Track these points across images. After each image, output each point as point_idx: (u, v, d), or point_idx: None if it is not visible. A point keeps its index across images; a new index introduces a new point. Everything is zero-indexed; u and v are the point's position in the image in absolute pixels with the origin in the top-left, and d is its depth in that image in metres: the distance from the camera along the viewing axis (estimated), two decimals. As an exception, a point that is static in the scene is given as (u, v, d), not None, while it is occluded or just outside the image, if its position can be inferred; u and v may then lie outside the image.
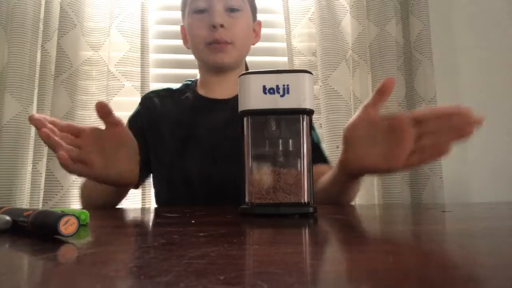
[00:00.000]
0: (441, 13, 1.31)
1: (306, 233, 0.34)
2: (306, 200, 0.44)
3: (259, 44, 0.96)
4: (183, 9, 0.88)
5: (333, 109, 1.15)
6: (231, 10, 0.82)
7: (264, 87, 0.44)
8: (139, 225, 0.40)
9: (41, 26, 1.12)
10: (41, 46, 1.10)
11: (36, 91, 1.10)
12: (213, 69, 0.85)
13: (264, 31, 0.95)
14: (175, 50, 1.23)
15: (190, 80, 0.93)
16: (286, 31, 1.19)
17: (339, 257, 0.23)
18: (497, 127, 1.29)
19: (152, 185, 0.88)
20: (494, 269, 0.19)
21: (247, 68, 0.94)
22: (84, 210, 0.36)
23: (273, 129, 0.45)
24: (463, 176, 1.26)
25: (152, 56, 1.19)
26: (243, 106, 0.45)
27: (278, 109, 0.44)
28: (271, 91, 0.44)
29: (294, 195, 0.44)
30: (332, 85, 1.16)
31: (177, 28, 1.22)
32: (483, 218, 0.45)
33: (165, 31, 1.24)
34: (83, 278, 0.18)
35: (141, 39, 1.15)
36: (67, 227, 0.27)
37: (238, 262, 0.20)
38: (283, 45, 1.20)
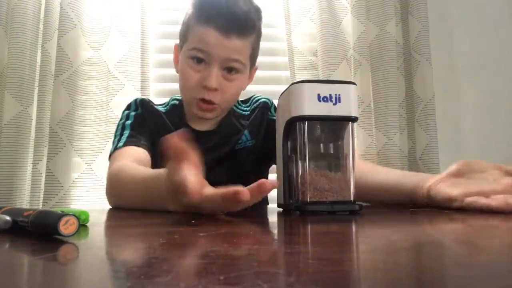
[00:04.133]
0: (440, 14, 1.31)
1: (306, 233, 0.34)
2: (352, 198, 0.48)
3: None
4: (181, 38, 0.82)
5: (333, 109, 1.15)
6: (229, 70, 0.78)
7: (318, 95, 0.47)
8: (139, 225, 0.40)
9: (41, 26, 1.12)
10: (41, 46, 1.10)
11: (36, 91, 1.10)
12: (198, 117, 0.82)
13: (264, 31, 0.95)
14: (175, 50, 1.23)
15: (176, 100, 0.89)
16: (286, 31, 1.20)
17: (339, 257, 0.23)
18: (495, 127, 1.29)
19: None
20: (493, 269, 0.19)
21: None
22: (84, 210, 0.36)
23: (322, 134, 0.49)
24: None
25: (152, 56, 1.19)
26: (297, 112, 0.48)
27: (332, 116, 0.47)
28: (325, 99, 0.47)
29: (343, 195, 0.48)
30: (332, 85, 1.16)
31: (177, 28, 1.23)
32: (482, 218, 0.45)
33: (165, 31, 1.24)
34: (83, 278, 0.18)
35: (141, 39, 1.15)
36: (67, 227, 0.27)
37: (238, 262, 0.20)
38: (284, 45, 1.20)
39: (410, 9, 1.22)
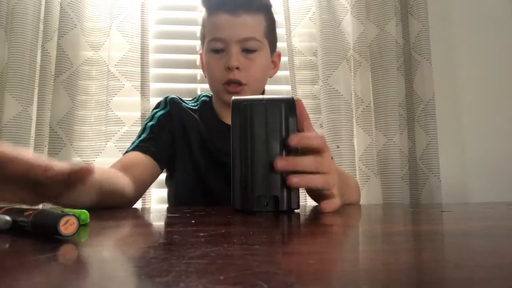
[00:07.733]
0: (440, 14, 1.31)
1: (306, 234, 0.34)
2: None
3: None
4: (202, 40, 0.88)
5: (334, 109, 1.15)
6: (248, 51, 0.81)
7: None
8: (139, 225, 0.40)
9: (41, 26, 1.12)
10: (41, 46, 1.10)
11: (36, 91, 1.10)
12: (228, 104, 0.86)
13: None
14: (175, 50, 1.23)
15: (206, 96, 0.92)
16: (286, 31, 1.19)
17: (339, 257, 0.23)
18: (495, 127, 1.29)
19: (165, 185, 0.93)
20: (493, 269, 0.19)
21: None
22: (84, 210, 0.36)
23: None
24: (461, 176, 1.26)
25: (152, 56, 1.19)
26: None
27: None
28: None
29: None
30: (332, 85, 1.16)
31: (177, 28, 1.23)
32: (482, 218, 0.45)
33: (165, 31, 1.24)
34: (83, 278, 0.18)
35: (141, 39, 1.15)
36: (67, 227, 0.27)
37: (238, 262, 0.20)
38: (284, 45, 1.20)
39: (410, 9, 1.22)
